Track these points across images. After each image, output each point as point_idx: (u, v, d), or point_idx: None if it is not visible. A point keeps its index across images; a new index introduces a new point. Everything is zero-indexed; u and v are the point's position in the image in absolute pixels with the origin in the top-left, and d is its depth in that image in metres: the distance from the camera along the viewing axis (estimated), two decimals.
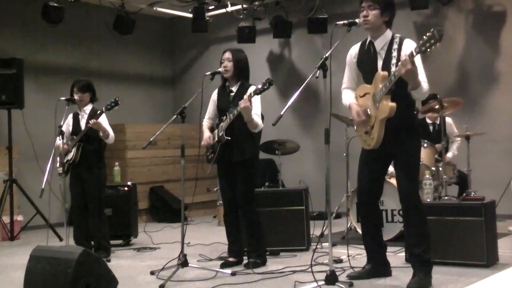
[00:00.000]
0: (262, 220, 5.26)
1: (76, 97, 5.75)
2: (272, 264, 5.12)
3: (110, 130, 5.70)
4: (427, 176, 5.28)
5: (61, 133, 5.57)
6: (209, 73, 5.09)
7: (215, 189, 7.64)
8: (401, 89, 4.06)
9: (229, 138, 4.99)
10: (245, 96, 4.81)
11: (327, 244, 4.21)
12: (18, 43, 8.57)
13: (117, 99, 5.59)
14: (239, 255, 5.20)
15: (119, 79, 9.88)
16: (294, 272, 4.77)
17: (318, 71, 4.09)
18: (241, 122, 4.95)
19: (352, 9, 6.99)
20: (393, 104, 4.03)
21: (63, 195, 5.58)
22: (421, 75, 3.95)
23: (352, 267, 4.59)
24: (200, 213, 9.24)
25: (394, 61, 4.09)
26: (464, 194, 5.84)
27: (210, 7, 9.19)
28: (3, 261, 5.96)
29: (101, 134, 5.65)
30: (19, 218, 7.59)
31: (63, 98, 5.72)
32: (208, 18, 9.15)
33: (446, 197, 5.49)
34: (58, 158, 5.72)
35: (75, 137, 5.77)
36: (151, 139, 5.08)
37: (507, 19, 7.71)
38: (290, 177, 8.09)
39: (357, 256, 5.05)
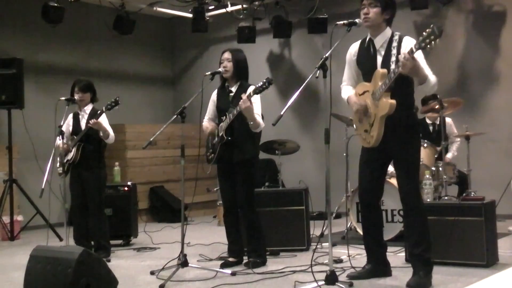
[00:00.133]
0: (262, 220, 5.26)
1: (77, 97, 5.76)
2: (272, 264, 5.12)
3: (110, 130, 5.70)
4: (427, 176, 5.28)
5: (61, 133, 5.58)
6: (209, 73, 5.09)
7: (215, 189, 7.63)
8: (401, 89, 4.07)
9: (229, 138, 5.00)
10: (244, 96, 4.81)
11: (327, 244, 4.21)
12: (18, 43, 8.57)
13: (117, 98, 5.59)
14: (239, 255, 5.20)
15: (119, 79, 9.88)
16: (294, 272, 4.77)
17: (318, 71, 4.09)
18: (241, 122, 4.96)
19: (352, 9, 7.01)
20: (393, 101, 4.02)
21: (63, 195, 5.58)
22: (426, 69, 3.95)
23: (352, 267, 4.59)
24: (200, 213, 9.24)
25: (393, 58, 4.09)
26: (464, 194, 5.84)
27: (210, 7, 9.20)
28: (3, 261, 5.97)
29: (101, 134, 5.65)
30: (19, 218, 7.59)
31: (63, 98, 5.72)
32: (208, 18, 9.15)
33: (446, 197, 5.49)
34: (58, 158, 5.72)
35: (75, 137, 5.77)
36: (151, 139, 5.08)
37: (507, 19, 7.71)
38: (290, 177, 8.09)
39: (357, 256, 5.05)
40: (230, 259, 5.16)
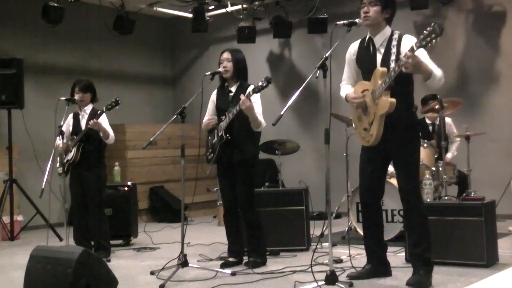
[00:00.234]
0: (262, 220, 5.26)
1: (77, 97, 5.76)
2: (272, 264, 5.12)
3: (110, 130, 5.70)
4: (427, 176, 5.28)
5: (61, 133, 5.58)
6: (209, 73, 5.09)
7: (215, 189, 7.63)
8: (401, 88, 4.06)
9: (229, 137, 4.99)
10: (242, 96, 4.81)
11: (327, 244, 4.21)
12: (18, 43, 8.57)
13: (117, 98, 5.59)
14: (239, 255, 5.20)
15: (119, 79, 9.88)
16: (294, 272, 4.77)
17: (318, 71, 4.09)
18: (241, 121, 4.96)
19: (352, 9, 7.01)
20: (393, 100, 4.02)
21: (63, 195, 5.58)
22: (430, 65, 3.95)
23: (353, 267, 4.59)
24: (200, 213, 9.24)
25: (393, 57, 4.09)
26: (464, 194, 5.84)
27: (210, 7, 9.20)
28: (3, 261, 5.96)
29: (101, 134, 5.65)
30: (19, 218, 7.59)
31: (63, 98, 5.73)
32: (208, 18, 9.16)
33: (446, 197, 5.49)
34: (58, 158, 5.72)
35: (75, 137, 5.77)
36: (151, 139, 5.08)
37: (507, 19, 7.71)
38: (290, 177, 8.09)
39: (357, 256, 5.05)
40: (230, 259, 5.16)
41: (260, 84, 4.75)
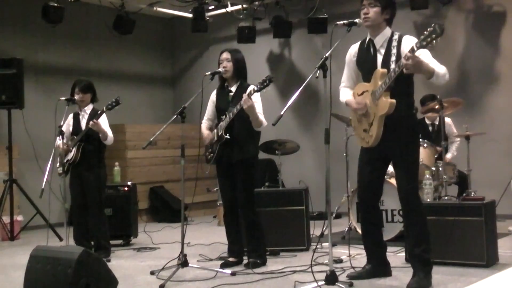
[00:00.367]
0: (262, 220, 5.26)
1: (77, 97, 5.76)
2: (272, 264, 5.12)
3: (109, 131, 5.70)
4: (427, 176, 5.27)
5: (61, 133, 5.58)
6: (209, 73, 5.09)
7: (215, 189, 7.63)
8: (401, 89, 4.06)
9: (229, 136, 4.99)
10: (245, 96, 4.81)
11: (327, 244, 4.21)
12: (18, 43, 8.57)
13: (118, 98, 5.59)
14: (239, 255, 5.20)
15: (119, 79, 9.88)
16: (294, 272, 4.77)
17: (318, 71, 4.08)
18: (241, 121, 4.96)
19: (352, 9, 6.99)
20: (393, 101, 4.02)
21: (63, 195, 5.58)
22: (432, 63, 3.94)
23: (352, 267, 4.59)
24: (200, 213, 9.24)
25: (393, 58, 4.09)
26: (464, 194, 5.84)
27: (210, 7, 9.20)
28: (3, 261, 5.96)
29: (100, 135, 5.65)
30: (19, 218, 7.59)
31: (63, 98, 5.72)
32: (208, 18, 9.16)
33: (446, 197, 5.49)
34: (58, 158, 5.72)
35: (75, 137, 5.77)
36: (151, 139, 5.08)
37: (507, 19, 7.71)
38: (290, 177, 8.09)
39: (357, 256, 5.05)
40: (230, 259, 5.16)
41: (261, 82, 4.74)
